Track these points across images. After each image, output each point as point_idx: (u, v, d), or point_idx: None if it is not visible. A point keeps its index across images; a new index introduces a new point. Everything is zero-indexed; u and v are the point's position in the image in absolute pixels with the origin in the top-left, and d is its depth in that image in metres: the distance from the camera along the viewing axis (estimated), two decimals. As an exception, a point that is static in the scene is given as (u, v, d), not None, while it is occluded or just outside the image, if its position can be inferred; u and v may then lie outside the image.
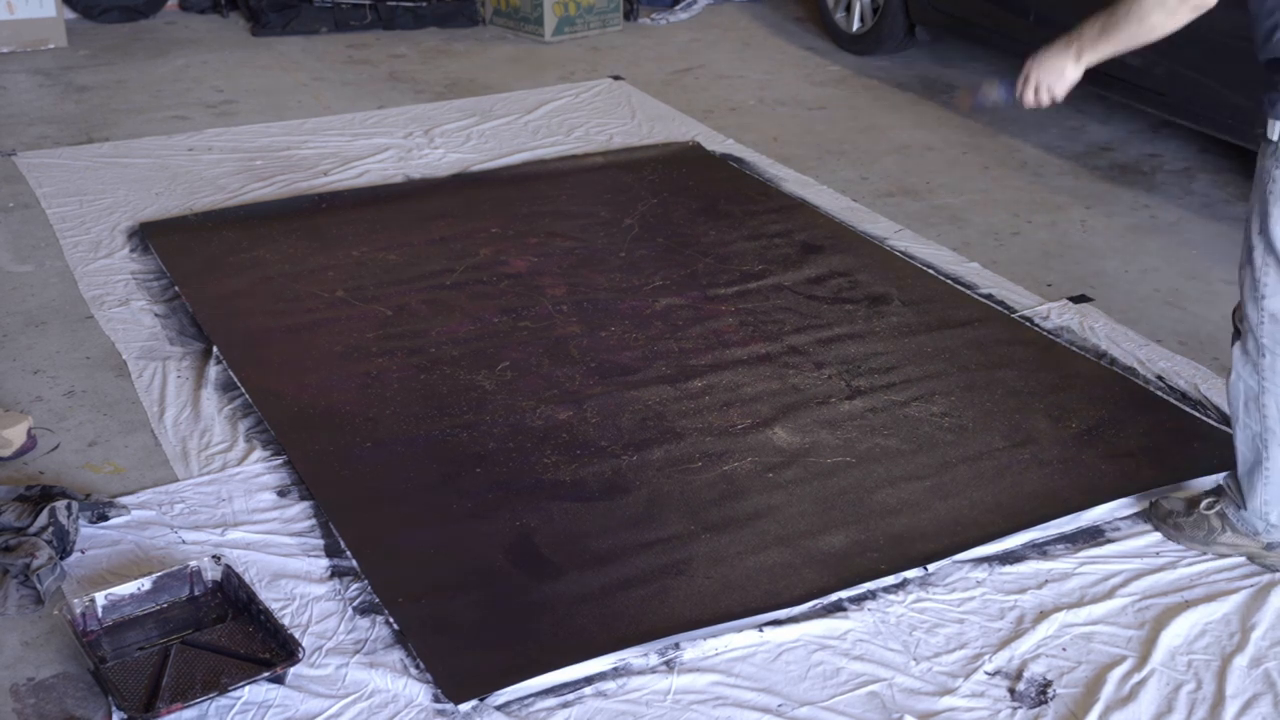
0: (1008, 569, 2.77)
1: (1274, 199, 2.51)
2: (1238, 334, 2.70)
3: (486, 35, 6.72)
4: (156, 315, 3.72)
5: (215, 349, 3.51)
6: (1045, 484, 3.05)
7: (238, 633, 2.52)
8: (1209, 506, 2.82)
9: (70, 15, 6.54)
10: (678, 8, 7.13)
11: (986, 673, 2.48)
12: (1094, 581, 2.74)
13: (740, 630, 2.56)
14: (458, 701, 2.37)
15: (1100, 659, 2.52)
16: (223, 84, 5.81)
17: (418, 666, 2.46)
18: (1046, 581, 2.74)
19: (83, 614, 2.49)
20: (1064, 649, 2.55)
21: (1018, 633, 2.58)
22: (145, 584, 2.57)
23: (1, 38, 6.10)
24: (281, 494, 2.95)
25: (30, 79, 5.80)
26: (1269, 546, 2.76)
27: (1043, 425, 3.28)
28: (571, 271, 4.04)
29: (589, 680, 2.44)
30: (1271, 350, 2.61)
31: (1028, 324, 3.79)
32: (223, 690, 2.36)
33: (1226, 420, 3.29)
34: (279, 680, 2.41)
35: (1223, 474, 2.90)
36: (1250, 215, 2.58)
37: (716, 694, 2.42)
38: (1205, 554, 2.80)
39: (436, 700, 2.38)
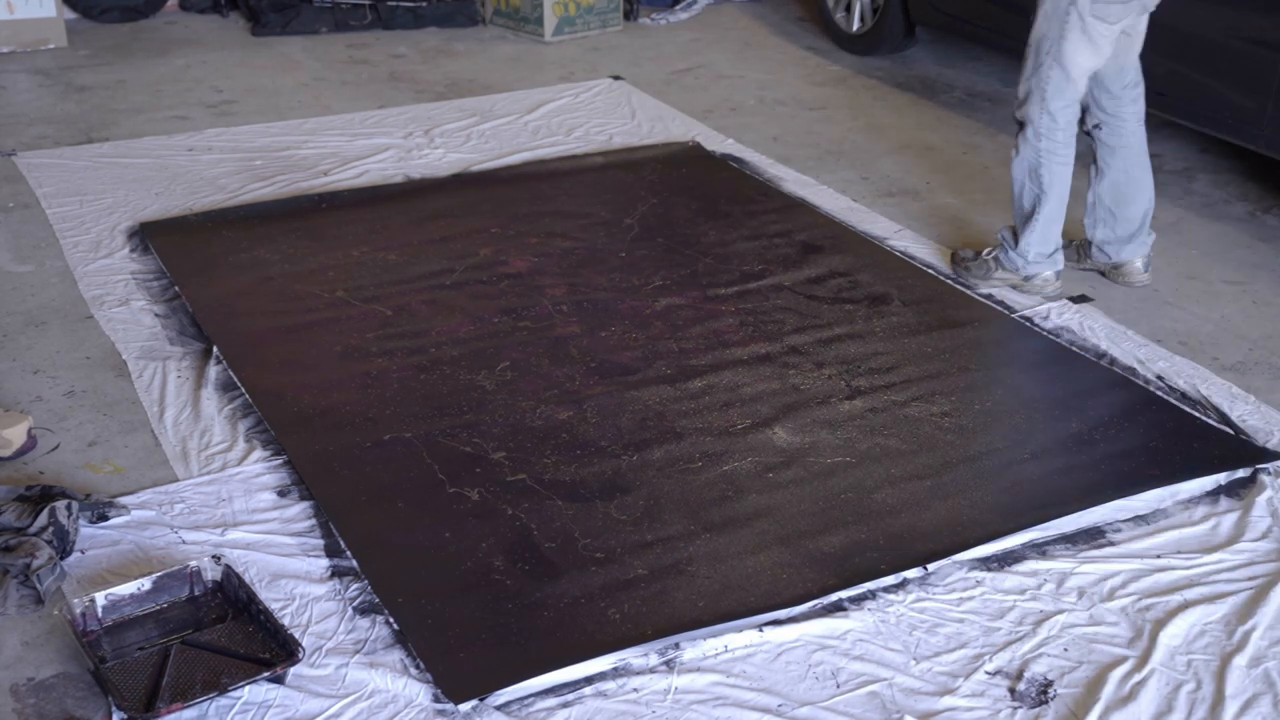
0: (1008, 569, 2.77)
1: (1069, 30, 3.55)
2: (1020, 127, 3.76)
3: (486, 35, 6.72)
4: (156, 315, 3.72)
5: (215, 349, 3.51)
6: (1045, 484, 3.05)
7: (238, 633, 2.52)
8: (989, 254, 3.95)
9: (70, 15, 6.53)
10: (678, 8, 7.12)
11: (987, 672, 2.48)
12: (1094, 581, 2.73)
13: (740, 630, 2.56)
14: (458, 701, 2.37)
15: (1101, 659, 2.52)
16: (223, 84, 5.81)
17: (418, 666, 2.46)
18: (1046, 581, 2.74)
19: (83, 614, 2.49)
20: (1065, 649, 2.54)
21: (1018, 633, 2.59)
22: (145, 584, 2.57)
23: (1, 38, 6.10)
24: (281, 494, 2.95)
25: (30, 79, 5.80)
26: (1026, 279, 3.87)
27: (1042, 425, 3.28)
28: (571, 271, 4.04)
29: (589, 680, 2.44)
30: (1047, 136, 3.71)
31: (1028, 324, 3.79)
32: (223, 690, 2.36)
33: (1226, 420, 3.30)
34: (279, 680, 2.41)
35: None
36: (1041, 39, 3.62)
37: (716, 694, 2.42)
38: (978, 288, 3.92)
39: (436, 700, 2.38)
